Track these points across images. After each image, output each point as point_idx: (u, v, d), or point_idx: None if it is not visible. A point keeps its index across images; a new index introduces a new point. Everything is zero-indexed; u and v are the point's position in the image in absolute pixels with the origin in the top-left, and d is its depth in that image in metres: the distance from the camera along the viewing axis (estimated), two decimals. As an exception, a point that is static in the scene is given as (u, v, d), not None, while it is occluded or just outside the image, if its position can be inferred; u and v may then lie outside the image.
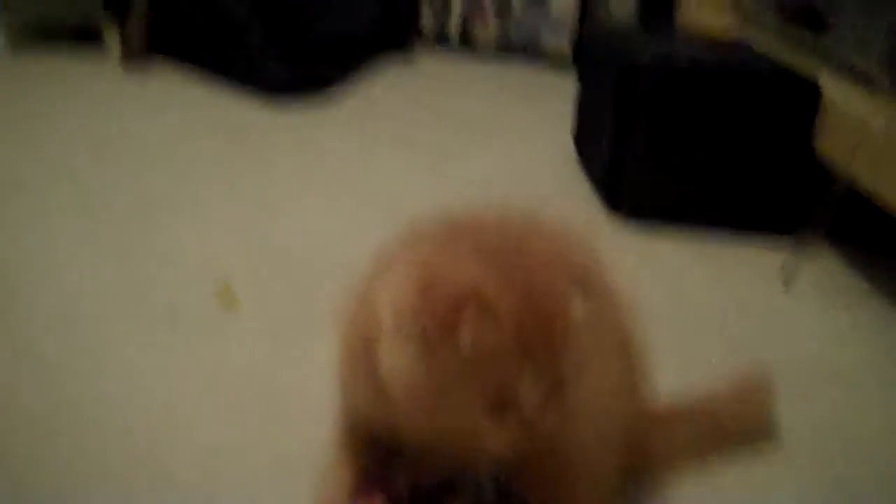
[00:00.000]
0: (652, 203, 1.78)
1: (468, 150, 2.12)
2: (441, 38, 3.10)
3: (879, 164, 1.42)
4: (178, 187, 1.83)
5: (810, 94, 1.66)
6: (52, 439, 1.05)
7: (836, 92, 1.61)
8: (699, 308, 1.48)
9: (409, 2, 3.07)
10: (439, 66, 2.92)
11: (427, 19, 3.09)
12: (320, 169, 1.98)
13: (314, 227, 1.67)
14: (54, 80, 2.50)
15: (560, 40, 2.94)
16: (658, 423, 1.00)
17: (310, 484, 0.91)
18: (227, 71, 2.52)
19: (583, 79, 2.13)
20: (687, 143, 1.75)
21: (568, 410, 0.73)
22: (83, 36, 2.75)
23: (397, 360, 0.71)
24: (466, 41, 3.07)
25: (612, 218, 1.82)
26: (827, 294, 1.54)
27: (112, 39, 2.65)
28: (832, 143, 1.60)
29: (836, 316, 1.47)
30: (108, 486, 0.97)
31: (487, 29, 3.02)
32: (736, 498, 1.02)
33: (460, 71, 2.88)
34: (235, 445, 1.06)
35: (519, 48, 3.01)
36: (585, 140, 2.07)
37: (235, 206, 1.76)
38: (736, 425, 1.09)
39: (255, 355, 1.24)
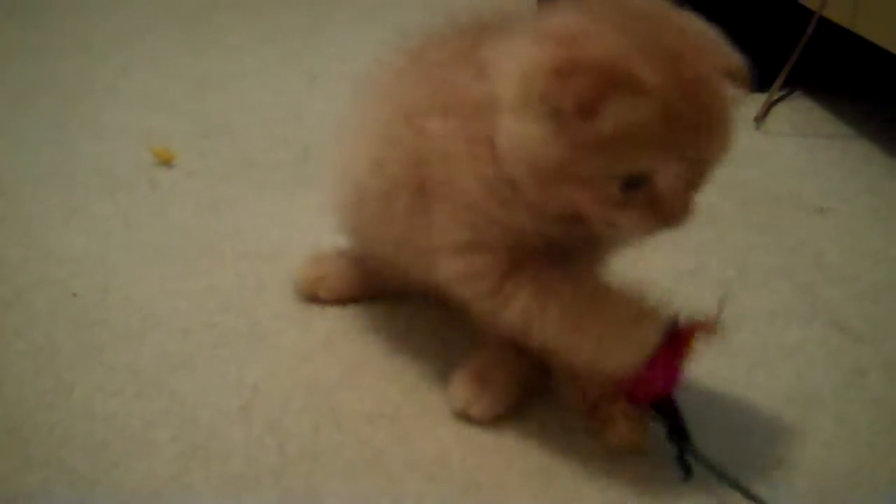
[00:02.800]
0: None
1: (430, 25, 2.02)
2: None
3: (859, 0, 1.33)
4: (123, 69, 1.74)
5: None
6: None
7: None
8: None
9: None
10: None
11: None
12: (272, 45, 1.88)
13: (260, 101, 1.59)
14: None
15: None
16: None
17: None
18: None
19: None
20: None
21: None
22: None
23: (526, 133, 0.67)
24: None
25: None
26: (805, 135, 1.47)
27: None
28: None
29: (815, 154, 1.40)
30: (49, 350, 0.91)
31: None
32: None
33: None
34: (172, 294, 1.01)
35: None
36: None
37: (178, 81, 1.69)
38: None
39: (192, 215, 1.18)
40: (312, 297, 0.95)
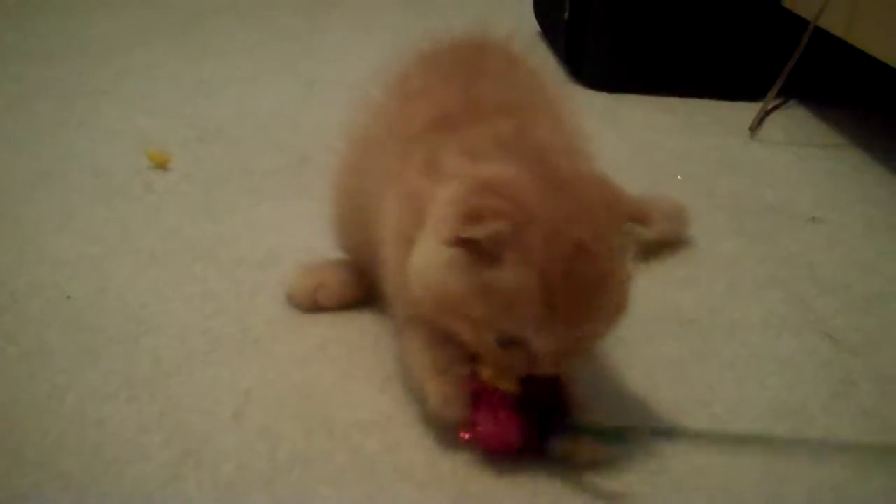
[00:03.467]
0: (615, 70, 1.71)
1: (426, 32, 2.02)
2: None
3: (853, 11, 1.33)
4: (119, 73, 1.74)
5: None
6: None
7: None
8: (664, 158, 1.44)
9: None
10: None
11: None
12: (269, 51, 1.89)
13: (256, 108, 1.59)
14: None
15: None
16: None
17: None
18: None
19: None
20: (649, 6, 1.66)
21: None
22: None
23: (432, 259, 0.71)
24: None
25: (576, 89, 1.74)
26: (799, 144, 1.47)
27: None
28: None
29: (809, 164, 1.40)
30: (43, 353, 0.91)
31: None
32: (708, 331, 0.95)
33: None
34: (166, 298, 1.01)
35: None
36: (546, 12, 1.99)
37: (175, 86, 1.71)
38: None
39: (187, 220, 1.19)
40: (311, 306, 0.95)
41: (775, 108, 1.59)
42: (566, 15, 1.74)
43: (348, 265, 0.96)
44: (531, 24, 2.02)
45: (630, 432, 0.76)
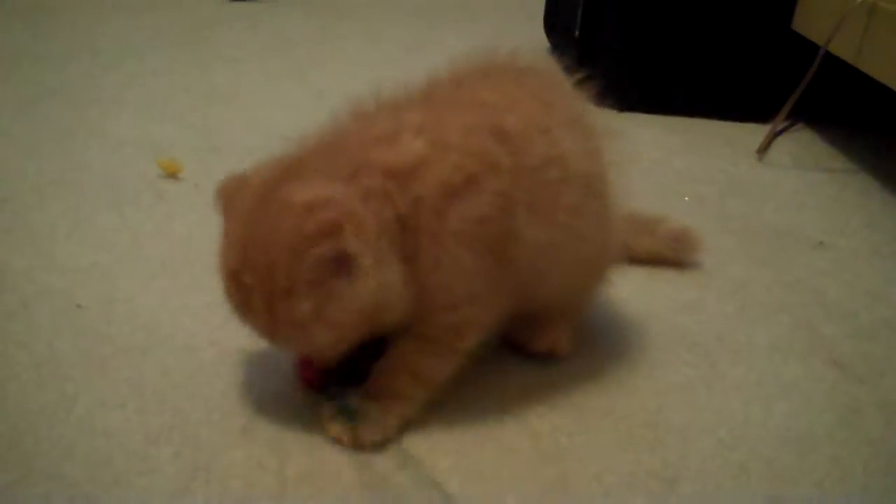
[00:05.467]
0: (624, 89, 1.71)
1: (435, 44, 2.04)
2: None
3: (863, 38, 1.34)
4: (130, 79, 1.74)
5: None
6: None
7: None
8: (671, 178, 1.44)
9: None
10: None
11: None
12: (280, 60, 1.89)
13: (266, 117, 1.60)
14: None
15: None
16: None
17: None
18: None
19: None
20: (660, 26, 1.67)
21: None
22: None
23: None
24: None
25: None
26: (806, 168, 1.47)
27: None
28: (812, 19, 1.53)
29: (816, 188, 1.41)
30: (52, 362, 0.92)
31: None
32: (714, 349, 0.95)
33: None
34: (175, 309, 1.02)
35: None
36: (557, 29, 2.00)
37: (185, 93, 1.71)
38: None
39: (197, 229, 1.19)
40: None
41: (783, 130, 1.60)
42: (577, 33, 1.74)
43: None
44: (541, 41, 2.03)
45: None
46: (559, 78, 0.90)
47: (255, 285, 0.71)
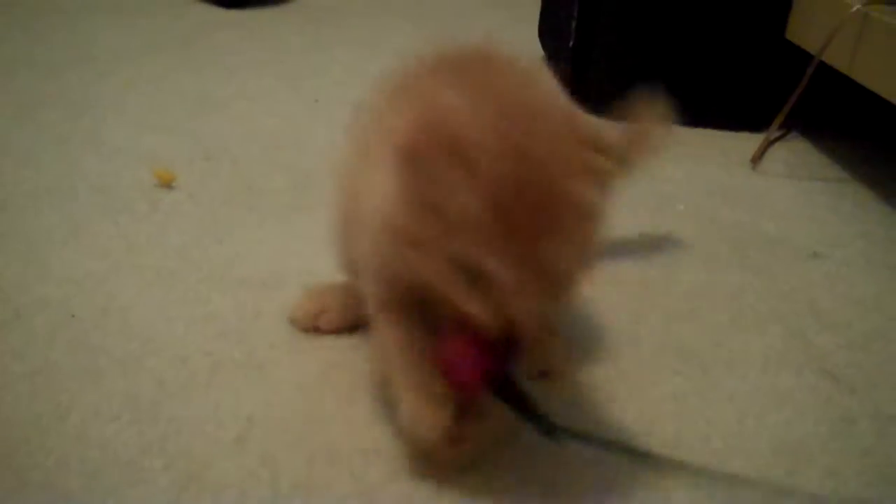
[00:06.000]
0: (619, 97, 1.71)
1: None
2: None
3: (857, 47, 1.35)
4: (125, 86, 1.74)
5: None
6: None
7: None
8: (665, 186, 1.45)
9: None
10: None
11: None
12: (274, 67, 1.90)
13: (261, 125, 1.61)
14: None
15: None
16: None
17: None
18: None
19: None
20: (654, 35, 1.67)
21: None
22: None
23: (379, 186, 0.69)
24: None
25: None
26: (800, 177, 1.48)
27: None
28: (806, 28, 1.53)
29: (810, 198, 1.42)
30: (46, 372, 0.92)
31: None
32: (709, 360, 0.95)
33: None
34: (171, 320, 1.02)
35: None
36: (551, 37, 2.00)
37: (180, 100, 1.71)
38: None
39: (192, 239, 1.19)
40: (313, 330, 0.95)
41: (777, 139, 1.60)
42: (571, 43, 1.75)
43: (350, 289, 0.95)
44: (535, 49, 2.03)
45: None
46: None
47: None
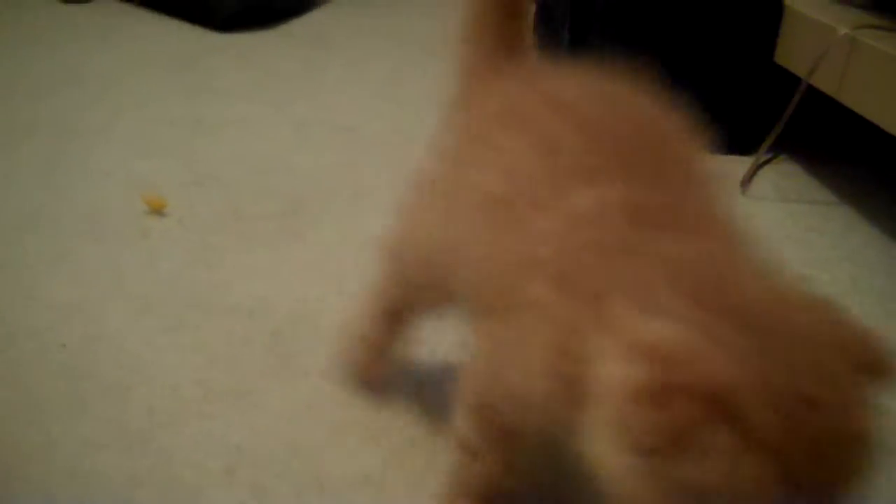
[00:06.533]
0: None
1: (421, 76, 2.04)
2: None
3: (845, 71, 1.36)
4: (115, 110, 1.74)
5: (773, 6, 1.61)
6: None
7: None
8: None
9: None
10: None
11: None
12: (264, 91, 1.90)
13: (250, 150, 1.60)
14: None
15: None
16: None
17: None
18: (174, 5, 2.40)
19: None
20: (644, 60, 1.67)
21: None
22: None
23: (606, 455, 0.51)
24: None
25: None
26: (789, 200, 1.48)
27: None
28: (795, 52, 1.55)
29: (798, 220, 1.42)
30: (36, 401, 0.92)
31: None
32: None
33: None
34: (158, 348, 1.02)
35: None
36: (545, 43, 2.00)
37: (169, 125, 1.70)
38: None
39: (181, 266, 1.20)
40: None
41: (766, 162, 1.61)
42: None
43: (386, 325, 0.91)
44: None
45: None
46: None
47: None
